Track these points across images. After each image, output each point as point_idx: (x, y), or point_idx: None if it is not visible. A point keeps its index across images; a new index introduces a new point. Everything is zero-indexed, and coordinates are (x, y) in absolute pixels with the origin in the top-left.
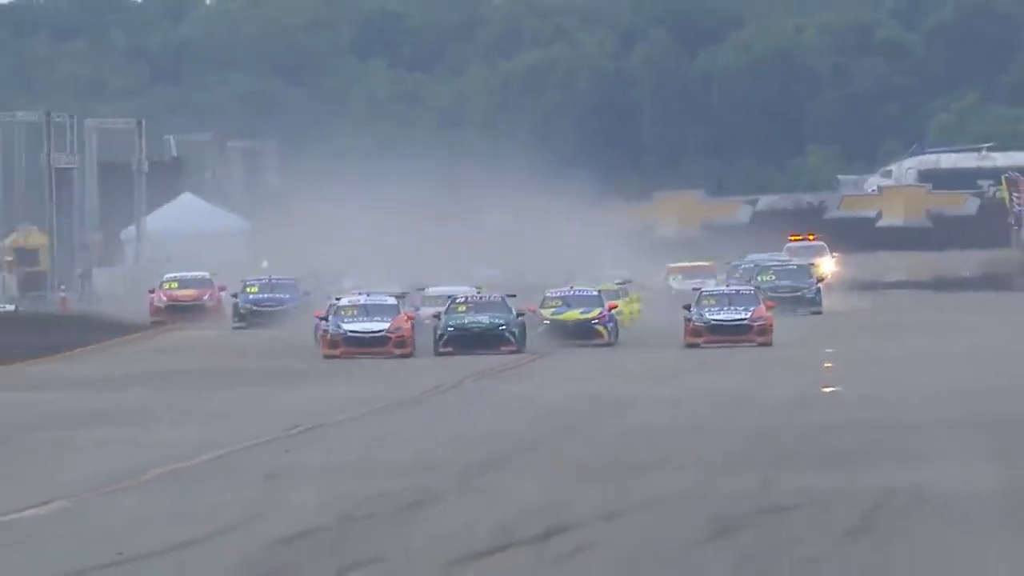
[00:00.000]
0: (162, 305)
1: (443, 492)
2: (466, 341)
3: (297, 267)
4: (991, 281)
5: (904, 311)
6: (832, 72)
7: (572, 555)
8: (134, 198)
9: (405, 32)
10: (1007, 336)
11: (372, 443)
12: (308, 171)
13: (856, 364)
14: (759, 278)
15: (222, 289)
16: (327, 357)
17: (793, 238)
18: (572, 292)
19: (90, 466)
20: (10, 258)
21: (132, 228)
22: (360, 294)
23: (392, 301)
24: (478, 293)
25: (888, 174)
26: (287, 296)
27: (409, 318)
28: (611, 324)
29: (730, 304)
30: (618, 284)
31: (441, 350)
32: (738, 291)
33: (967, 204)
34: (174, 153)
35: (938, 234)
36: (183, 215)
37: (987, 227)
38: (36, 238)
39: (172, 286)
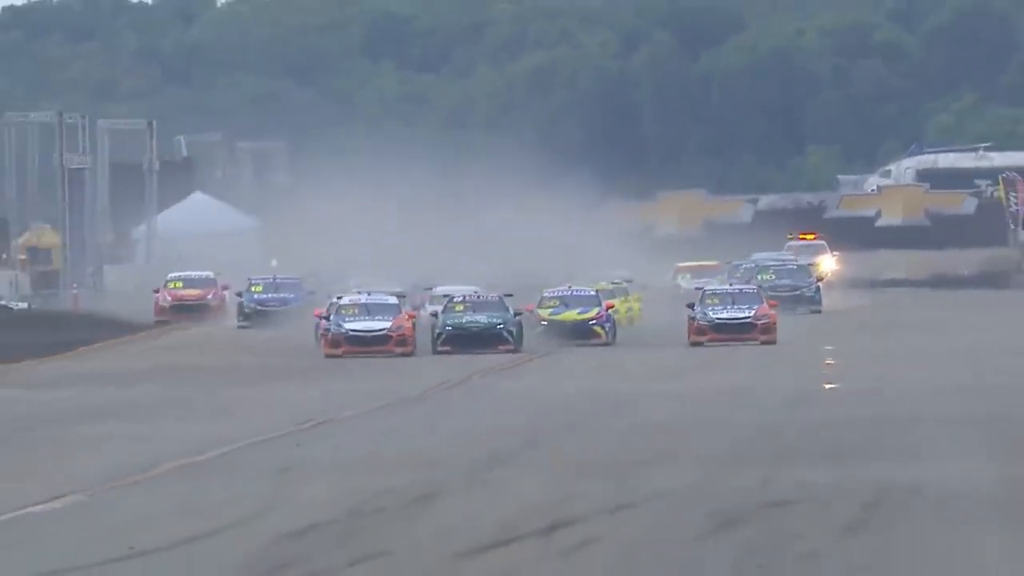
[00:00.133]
0: (167, 305)
1: (449, 487)
2: (464, 340)
3: (299, 266)
4: (989, 279)
5: (903, 309)
6: (832, 73)
7: (576, 549)
8: (145, 197)
9: (414, 34)
10: (1005, 334)
11: (379, 439)
12: (317, 171)
13: (856, 361)
14: (759, 277)
15: (226, 288)
16: (328, 356)
17: (803, 236)
18: (570, 292)
19: (100, 461)
20: (23, 257)
21: (143, 227)
22: (361, 293)
23: (393, 300)
24: (475, 293)
25: (887, 174)
26: (291, 296)
27: (410, 317)
28: (608, 324)
29: (734, 303)
30: (615, 283)
31: (439, 349)
32: (741, 290)
33: (965, 203)
34: (185, 153)
35: (936, 233)
36: (194, 214)
37: (985, 226)
38: (49, 237)
39: (176, 285)
